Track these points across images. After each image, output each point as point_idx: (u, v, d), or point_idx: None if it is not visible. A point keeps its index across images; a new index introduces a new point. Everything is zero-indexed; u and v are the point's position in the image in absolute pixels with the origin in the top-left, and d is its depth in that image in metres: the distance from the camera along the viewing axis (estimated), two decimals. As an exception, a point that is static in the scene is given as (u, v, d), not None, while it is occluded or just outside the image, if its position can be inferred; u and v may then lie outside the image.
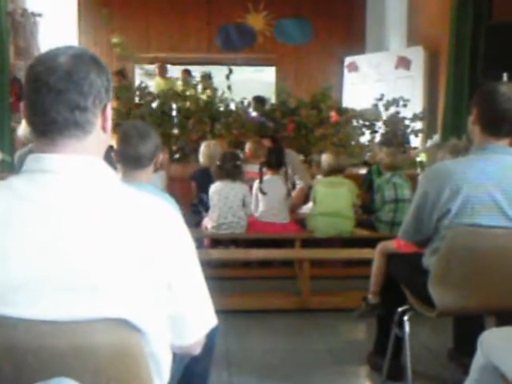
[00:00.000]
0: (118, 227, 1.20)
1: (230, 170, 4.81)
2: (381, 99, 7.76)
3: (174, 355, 1.40)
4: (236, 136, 7.36)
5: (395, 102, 7.69)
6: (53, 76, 1.19)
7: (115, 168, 3.07)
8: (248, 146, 5.87)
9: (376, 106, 7.75)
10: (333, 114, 8.00)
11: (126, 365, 1.20)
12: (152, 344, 1.23)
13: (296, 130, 7.57)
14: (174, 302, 1.26)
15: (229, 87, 8.08)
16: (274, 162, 5.06)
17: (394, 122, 7.39)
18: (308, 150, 7.35)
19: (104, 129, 1.28)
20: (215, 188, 4.83)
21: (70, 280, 1.14)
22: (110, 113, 1.29)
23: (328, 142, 7.27)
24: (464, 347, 3.05)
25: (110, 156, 4.38)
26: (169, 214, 1.29)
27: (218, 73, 8.74)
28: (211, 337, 2.14)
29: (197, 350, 1.41)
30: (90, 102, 1.22)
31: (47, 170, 1.20)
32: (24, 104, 1.24)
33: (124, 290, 1.17)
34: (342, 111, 7.98)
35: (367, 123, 7.57)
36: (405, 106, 7.64)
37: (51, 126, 1.21)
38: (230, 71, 8.29)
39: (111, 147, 4.69)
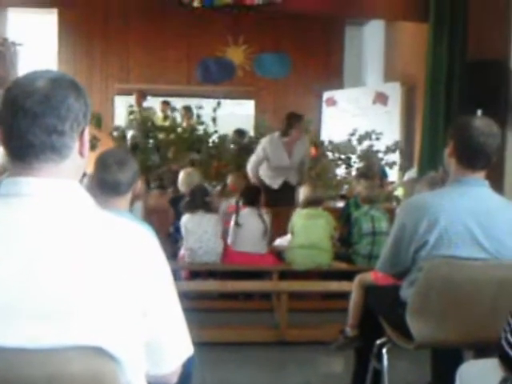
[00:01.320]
0: (95, 252, 1.18)
1: (202, 203, 4.83)
2: (353, 134, 7.88)
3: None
4: (216, 168, 7.38)
5: (368, 135, 7.80)
6: (30, 99, 1.18)
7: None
8: (230, 179, 5.90)
9: (349, 140, 7.85)
10: (312, 149, 8.09)
11: (102, 393, 1.17)
12: (127, 373, 1.20)
13: None
14: (150, 330, 1.24)
15: (214, 120, 8.15)
16: (249, 199, 5.08)
17: (369, 156, 7.47)
18: None
19: (81, 153, 1.28)
20: (187, 220, 4.82)
21: (44, 306, 1.12)
22: (87, 137, 1.28)
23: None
24: (442, 380, 3.04)
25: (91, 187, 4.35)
26: (146, 239, 1.28)
27: (198, 105, 8.81)
28: (187, 366, 2.10)
29: (173, 380, 1.38)
30: (68, 126, 1.21)
31: (23, 193, 1.19)
32: (0, 129, 1.22)
33: (99, 317, 1.15)
34: (318, 144, 8.05)
35: (342, 156, 7.65)
36: (377, 139, 7.75)
37: (28, 150, 1.20)
38: (218, 104, 8.41)
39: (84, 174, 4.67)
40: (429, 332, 2.45)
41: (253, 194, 5.15)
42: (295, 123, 5.92)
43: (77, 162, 1.27)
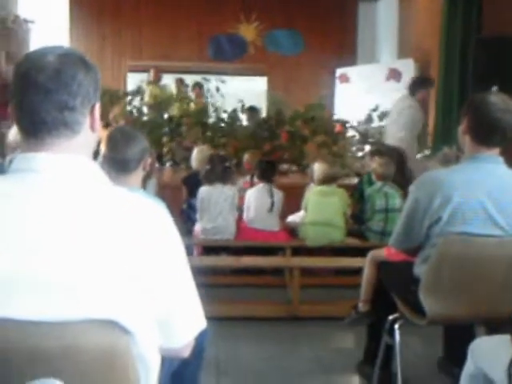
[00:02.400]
0: (106, 226, 1.19)
1: (221, 172, 4.81)
2: (375, 110, 7.80)
3: (163, 358, 1.38)
4: (232, 146, 7.39)
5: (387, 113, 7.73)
6: (41, 75, 1.19)
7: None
8: (246, 158, 5.90)
9: (370, 116, 7.79)
10: (337, 125, 8.09)
11: (115, 366, 1.20)
12: (140, 346, 1.22)
13: (290, 140, 7.61)
14: (162, 304, 1.25)
15: (221, 95, 8.13)
16: (262, 174, 5.10)
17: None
18: (301, 160, 7.38)
19: (92, 129, 1.29)
20: (204, 192, 4.81)
21: (56, 279, 1.13)
22: (98, 113, 1.29)
23: (325, 151, 7.30)
24: (454, 356, 3.05)
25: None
26: (158, 214, 1.28)
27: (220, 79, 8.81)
28: (201, 341, 2.13)
29: (186, 353, 1.40)
30: (79, 102, 1.22)
31: (35, 169, 1.20)
32: (11, 104, 1.23)
33: (112, 290, 1.16)
34: (343, 123, 8.02)
35: (370, 140, 7.59)
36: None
37: (40, 126, 1.21)
38: (222, 82, 8.36)
39: (98, 153, 4.69)
40: (441, 308, 2.46)
41: (267, 169, 5.16)
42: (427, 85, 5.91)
43: (88, 137, 1.28)
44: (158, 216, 1.28)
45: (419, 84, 6.01)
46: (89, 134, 1.28)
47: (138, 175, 2.48)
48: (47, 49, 1.23)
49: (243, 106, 8.15)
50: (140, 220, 1.23)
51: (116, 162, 2.40)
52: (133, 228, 1.21)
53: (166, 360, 1.80)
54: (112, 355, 1.19)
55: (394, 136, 5.96)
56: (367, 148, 7.58)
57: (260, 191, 5.03)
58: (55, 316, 1.14)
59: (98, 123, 1.30)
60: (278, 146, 7.38)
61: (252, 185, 5.21)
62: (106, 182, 1.28)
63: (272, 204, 4.97)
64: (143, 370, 1.25)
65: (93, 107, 1.27)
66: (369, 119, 7.75)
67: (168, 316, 1.28)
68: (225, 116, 8.11)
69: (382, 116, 7.67)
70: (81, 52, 1.28)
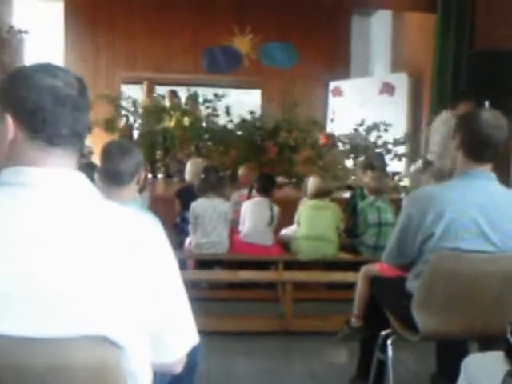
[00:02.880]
0: (97, 241, 1.18)
1: (215, 182, 4.80)
2: (361, 124, 7.84)
3: (155, 374, 1.37)
4: (231, 159, 7.39)
5: (376, 126, 7.76)
6: (76, 94, 1.24)
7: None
8: (241, 171, 5.90)
9: (356, 130, 7.82)
10: (322, 137, 8.09)
11: (106, 383, 1.18)
12: (131, 361, 1.21)
13: (278, 153, 7.62)
14: (154, 319, 1.24)
15: (227, 109, 8.13)
16: (262, 187, 5.10)
17: (370, 148, 7.45)
18: (291, 172, 7.38)
19: None
20: (198, 206, 4.80)
21: (46, 295, 1.12)
22: None
23: (312, 165, 7.31)
24: (447, 372, 3.04)
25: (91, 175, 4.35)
26: (150, 229, 1.28)
27: (205, 94, 8.81)
28: (193, 356, 2.11)
29: (178, 369, 1.39)
30: (87, 120, 1.29)
31: (28, 183, 1.20)
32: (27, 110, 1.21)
33: (103, 306, 1.16)
34: (329, 136, 8.05)
35: (351, 148, 7.63)
36: (386, 130, 7.71)
37: (71, 139, 1.25)
38: (216, 96, 8.38)
39: (94, 166, 4.66)
40: (434, 324, 2.45)
41: (268, 183, 5.17)
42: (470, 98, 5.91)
43: None
44: (150, 230, 1.28)
45: (461, 97, 6.05)
46: None
47: (131, 188, 2.48)
48: (57, 67, 1.27)
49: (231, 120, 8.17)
50: (132, 235, 1.23)
51: (110, 174, 2.40)
52: (125, 243, 1.21)
53: (158, 375, 1.79)
54: (103, 371, 1.18)
55: (431, 151, 6.03)
56: (354, 160, 7.63)
57: (257, 205, 5.03)
58: (44, 332, 1.13)
59: None
60: (269, 160, 7.39)
61: (250, 198, 5.20)
62: (98, 197, 1.28)
63: (271, 218, 4.97)
64: None
65: None
66: (356, 134, 7.77)
67: (160, 331, 1.27)
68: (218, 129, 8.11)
69: (369, 130, 7.70)
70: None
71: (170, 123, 8.46)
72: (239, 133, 7.99)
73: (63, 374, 1.15)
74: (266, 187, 5.10)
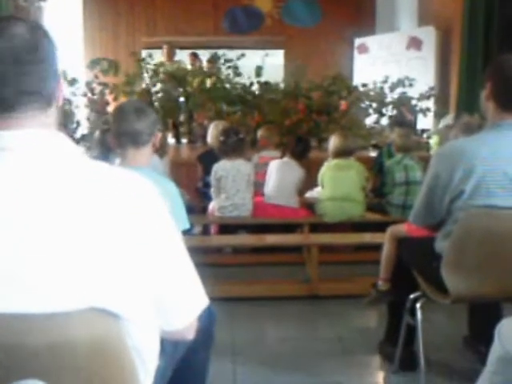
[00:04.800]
0: (88, 207, 1.09)
1: (235, 144, 4.69)
2: (385, 81, 7.61)
3: (167, 347, 1.29)
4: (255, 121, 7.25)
5: (400, 82, 7.54)
6: (16, 47, 1.12)
7: (109, 152, 2.95)
8: (261, 133, 5.77)
9: (381, 88, 7.60)
10: (342, 103, 7.89)
11: (108, 358, 1.10)
12: (135, 333, 1.14)
13: (307, 114, 7.45)
14: (157, 285, 1.17)
15: (259, 70, 7.96)
16: (297, 152, 5.01)
17: (403, 103, 7.23)
18: (318, 132, 7.23)
19: (58, 101, 1.23)
20: (220, 168, 4.70)
21: (37, 268, 1.04)
22: (62, 84, 1.25)
23: (336, 125, 7.14)
24: (480, 335, 2.93)
25: (105, 140, 4.26)
26: (144, 189, 1.19)
27: (227, 55, 8.64)
28: (208, 325, 2.04)
29: (189, 335, 1.31)
30: (52, 73, 1.18)
31: (6, 147, 1.11)
32: None
33: (99, 276, 1.07)
34: (350, 90, 7.82)
35: (374, 105, 7.42)
36: (410, 85, 7.48)
37: (20, 99, 1.13)
38: (242, 55, 8.20)
39: (106, 130, 4.55)
40: (465, 286, 2.33)
41: (303, 147, 5.07)
42: None
43: (56, 109, 1.23)
44: (143, 191, 1.19)
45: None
46: (56, 107, 1.22)
47: (148, 150, 2.40)
48: (7, 19, 1.16)
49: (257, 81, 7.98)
50: (125, 198, 1.14)
51: (126, 134, 2.32)
52: (119, 207, 1.12)
53: (170, 348, 1.71)
54: (104, 345, 1.10)
55: None
56: (374, 117, 7.43)
57: (284, 166, 4.94)
58: (39, 307, 1.05)
59: (62, 94, 1.26)
60: (294, 121, 7.22)
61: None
62: (83, 157, 1.19)
63: (300, 182, 4.91)
64: (138, 358, 1.17)
65: (59, 78, 1.22)
66: (381, 92, 7.54)
67: (165, 298, 1.20)
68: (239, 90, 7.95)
69: (394, 86, 7.46)
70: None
71: (192, 86, 8.31)
72: (260, 93, 7.83)
73: (62, 352, 1.07)
74: (300, 151, 5.01)
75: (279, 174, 4.91)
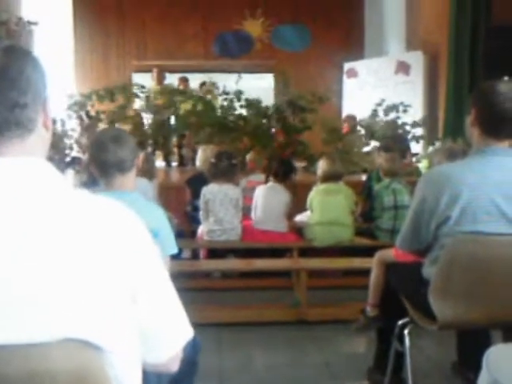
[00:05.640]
0: (73, 236, 1.07)
1: (225, 168, 4.68)
2: (380, 104, 7.65)
3: (150, 377, 1.26)
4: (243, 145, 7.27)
5: (395, 107, 7.58)
6: None
7: (95, 180, 2.95)
8: (249, 157, 5.77)
9: (375, 111, 7.64)
10: (344, 126, 7.96)
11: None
12: (117, 365, 1.10)
13: (285, 136, 7.49)
14: (141, 317, 1.14)
15: (239, 94, 7.98)
16: (279, 173, 4.98)
17: (394, 129, 7.26)
18: (305, 154, 7.25)
19: (46, 126, 1.19)
20: (208, 191, 4.69)
21: (18, 298, 1.01)
22: (50, 109, 1.20)
23: (331, 145, 7.17)
24: (469, 361, 2.91)
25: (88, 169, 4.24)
26: (126, 219, 1.17)
27: (217, 80, 8.70)
28: (193, 354, 2.01)
29: (173, 367, 1.28)
30: (30, 99, 1.12)
31: None
32: None
33: (81, 307, 1.04)
34: (350, 118, 7.90)
35: (371, 133, 7.45)
36: (405, 111, 7.53)
37: None
38: (239, 77, 8.26)
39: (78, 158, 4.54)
40: (452, 312, 2.31)
41: (285, 169, 5.03)
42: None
43: (42, 135, 1.19)
44: (129, 224, 1.16)
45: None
46: (42, 133, 1.18)
47: (133, 174, 2.40)
48: None
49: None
50: (109, 228, 1.11)
51: (109, 164, 2.30)
52: (101, 237, 1.09)
53: (154, 377, 1.68)
54: (85, 377, 1.06)
55: None
56: (374, 144, 7.45)
57: (270, 191, 4.92)
58: (19, 337, 1.02)
59: (51, 120, 1.21)
60: (279, 144, 7.24)
61: (266, 183, 5.10)
62: (66, 186, 1.16)
63: (287, 206, 4.88)
64: None
65: (44, 103, 1.17)
66: (374, 114, 7.59)
67: (148, 329, 1.17)
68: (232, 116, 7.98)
69: (388, 110, 7.51)
70: (21, 45, 1.18)
71: (183, 107, 8.35)
72: (246, 118, 7.85)
73: (43, 379, 1.04)
74: (283, 173, 4.98)
75: (266, 199, 4.89)
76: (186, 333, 1.25)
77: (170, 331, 1.22)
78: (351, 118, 8.44)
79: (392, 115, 7.55)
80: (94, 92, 8.31)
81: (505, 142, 2.27)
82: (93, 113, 8.15)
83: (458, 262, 2.25)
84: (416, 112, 8.21)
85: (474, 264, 2.25)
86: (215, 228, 4.70)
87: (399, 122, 7.48)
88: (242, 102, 7.83)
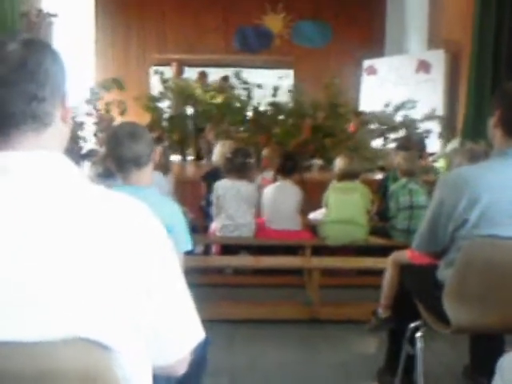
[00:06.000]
0: (84, 232, 1.05)
1: (240, 165, 4.66)
2: (388, 105, 7.65)
3: (159, 377, 1.24)
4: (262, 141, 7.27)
5: (403, 105, 7.56)
6: (3, 66, 1.07)
7: (111, 173, 2.95)
8: (264, 154, 5.74)
9: (385, 111, 7.63)
10: (351, 125, 7.91)
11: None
12: (126, 366, 1.08)
13: (313, 134, 7.45)
14: (152, 316, 1.12)
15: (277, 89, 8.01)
16: (283, 168, 4.93)
17: (408, 126, 7.23)
18: (323, 154, 7.22)
19: (64, 120, 1.17)
20: (220, 187, 4.67)
21: (29, 294, 1.00)
22: (69, 102, 1.18)
23: (343, 146, 7.13)
24: (481, 366, 2.87)
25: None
26: (141, 215, 1.14)
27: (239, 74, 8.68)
28: (200, 351, 1.99)
29: (181, 370, 1.25)
30: (48, 92, 1.11)
31: (3, 170, 1.07)
32: None
33: (91, 305, 1.03)
34: (357, 114, 7.86)
35: (383, 127, 7.42)
36: (412, 107, 7.50)
37: (7, 120, 1.09)
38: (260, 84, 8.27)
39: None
40: (467, 316, 2.28)
41: (291, 164, 4.98)
42: None
43: (60, 129, 1.17)
44: (144, 221, 1.14)
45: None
46: (60, 127, 1.16)
47: (149, 169, 2.40)
48: (6, 37, 1.11)
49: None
50: (123, 225, 1.09)
51: (126, 159, 2.31)
52: (114, 234, 1.07)
53: (163, 381, 1.67)
54: (94, 377, 1.05)
55: None
56: (381, 138, 7.43)
57: (279, 190, 4.87)
58: (27, 335, 1.00)
59: (70, 114, 1.19)
60: (301, 141, 7.22)
61: (275, 181, 5.04)
62: (82, 180, 1.14)
63: (298, 203, 4.84)
64: None
65: (63, 97, 1.16)
66: (383, 113, 7.56)
67: (158, 330, 1.14)
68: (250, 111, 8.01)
69: (396, 109, 7.46)
70: (42, 39, 1.17)
71: (202, 101, 8.36)
72: (271, 114, 7.85)
73: (50, 378, 1.03)
74: (287, 168, 4.92)
75: (276, 199, 4.83)
76: (197, 335, 1.22)
77: (181, 332, 1.20)
78: (357, 115, 8.32)
79: (401, 113, 7.53)
80: (105, 81, 8.31)
81: (528, 145, 2.22)
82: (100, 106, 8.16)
83: (474, 266, 2.21)
84: (437, 111, 8.14)
85: (491, 268, 2.21)
86: (227, 223, 4.68)
87: (408, 118, 7.47)
88: (278, 98, 7.86)
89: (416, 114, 7.58)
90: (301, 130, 7.45)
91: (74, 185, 1.11)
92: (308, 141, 7.39)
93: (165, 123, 8.25)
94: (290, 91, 8.07)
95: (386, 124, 7.37)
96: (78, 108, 7.76)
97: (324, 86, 7.86)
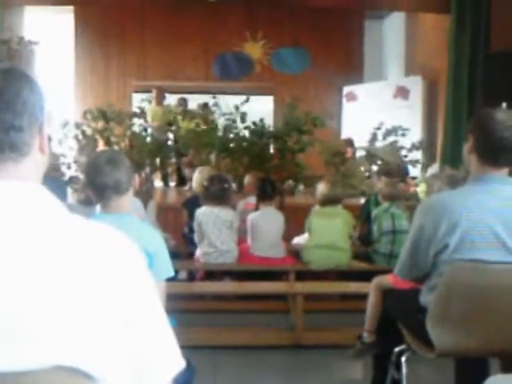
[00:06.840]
0: (66, 261, 1.05)
1: (217, 192, 4.66)
2: (379, 128, 7.69)
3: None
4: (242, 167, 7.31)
5: (394, 130, 7.61)
6: None
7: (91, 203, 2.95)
8: (247, 179, 5.75)
9: (375, 135, 7.68)
10: (348, 150, 8.01)
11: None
12: None
13: (280, 157, 7.55)
14: (133, 345, 1.11)
15: (243, 115, 8.07)
16: (262, 193, 4.93)
17: (392, 153, 7.29)
18: (300, 176, 7.28)
19: (42, 150, 1.17)
20: (201, 213, 4.67)
21: (7, 323, 0.99)
22: (46, 132, 1.18)
23: (332, 167, 7.20)
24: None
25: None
26: (120, 245, 1.14)
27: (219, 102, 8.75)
28: (187, 378, 1.98)
29: None
30: (26, 122, 1.11)
31: None
32: None
33: (72, 333, 1.02)
34: (348, 143, 7.98)
35: (379, 162, 7.46)
36: (403, 135, 7.56)
37: None
38: (247, 100, 8.34)
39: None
40: (450, 340, 2.29)
41: (268, 188, 4.98)
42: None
43: (37, 159, 1.17)
44: (123, 250, 1.14)
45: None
46: (38, 157, 1.16)
47: (129, 196, 2.41)
48: None
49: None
50: (104, 254, 1.09)
51: (108, 186, 2.30)
52: (96, 263, 1.07)
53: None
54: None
55: None
56: (374, 168, 7.47)
57: (263, 217, 4.85)
58: (8, 365, 0.99)
59: (47, 144, 1.19)
60: (275, 165, 7.29)
61: (258, 207, 5.05)
62: (60, 210, 1.13)
63: (280, 229, 4.83)
64: None
65: (41, 126, 1.16)
66: (374, 138, 7.62)
67: (140, 357, 1.13)
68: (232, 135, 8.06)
69: (387, 134, 7.54)
70: (20, 68, 1.16)
71: (184, 127, 8.40)
72: (245, 140, 7.92)
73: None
74: (266, 192, 4.92)
75: (260, 226, 4.81)
76: (178, 364, 1.21)
77: (162, 360, 1.18)
78: (349, 142, 8.49)
79: (390, 139, 7.58)
80: (89, 111, 8.36)
81: (503, 170, 2.27)
82: (89, 132, 8.18)
83: (456, 290, 2.24)
84: (414, 136, 8.24)
85: (473, 292, 2.24)
86: (210, 250, 4.67)
87: (397, 145, 7.52)
88: (248, 123, 7.90)
89: (400, 139, 7.65)
90: (273, 155, 7.55)
91: (53, 216, 1.11)
92: (279, 165, 7.47)
93: (145, 149, 8.27)
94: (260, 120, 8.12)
95: (378, 158, 7.42)
96: (61, 140, 7.80)
97: (287, 107, 7.98)
